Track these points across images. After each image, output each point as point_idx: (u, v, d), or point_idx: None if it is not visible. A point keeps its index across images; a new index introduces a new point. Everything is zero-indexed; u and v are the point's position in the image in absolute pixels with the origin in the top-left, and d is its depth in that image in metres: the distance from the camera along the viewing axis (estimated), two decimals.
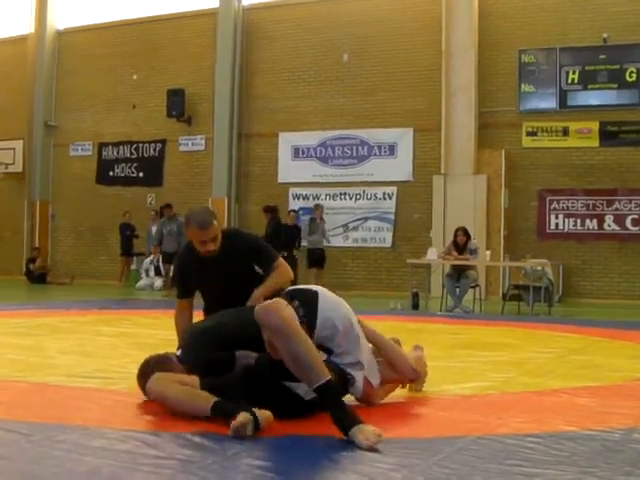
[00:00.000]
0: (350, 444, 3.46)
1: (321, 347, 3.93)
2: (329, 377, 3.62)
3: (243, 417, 3.56)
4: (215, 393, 3.88)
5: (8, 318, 10.09)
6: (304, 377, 3.67)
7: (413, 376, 4.62)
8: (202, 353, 4.32)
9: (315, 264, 18.07)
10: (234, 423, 3.54)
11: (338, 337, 4.09)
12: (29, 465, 3.13)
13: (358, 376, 4.16)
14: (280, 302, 3.82)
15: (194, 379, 4.06)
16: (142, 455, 3.28)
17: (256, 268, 5.36)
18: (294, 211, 19.23)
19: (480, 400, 4.87)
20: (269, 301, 3.84)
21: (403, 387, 4.82)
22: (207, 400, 3.82)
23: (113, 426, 3.81)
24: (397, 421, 4.22)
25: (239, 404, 3.72)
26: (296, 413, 3.95)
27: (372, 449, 3.38)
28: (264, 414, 3.66)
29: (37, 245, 23.30)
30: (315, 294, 4.17)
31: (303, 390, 3.85)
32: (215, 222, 5.18)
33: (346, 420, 3.55)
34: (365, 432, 3.46)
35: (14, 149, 24.28)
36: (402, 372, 4.54)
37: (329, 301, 4.19)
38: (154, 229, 19.82)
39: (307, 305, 4.02)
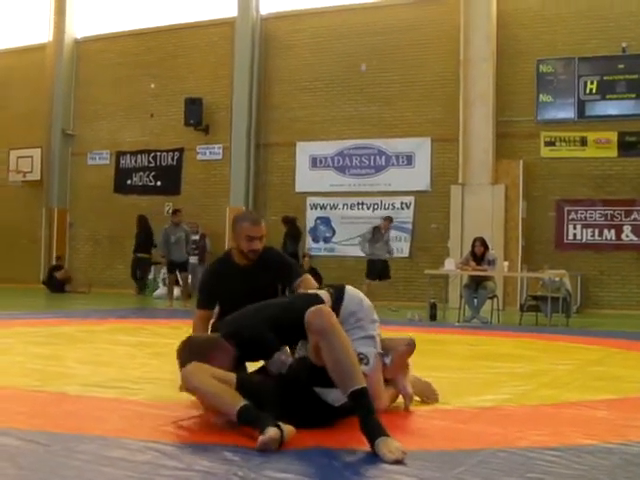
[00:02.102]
0: (372, 457, 3.45)
1: None
2: (365, 385, 3.71)
3: (274, 432, 3.55)
4: (248, 393, 3.89)
5: (26, 327, 10.10)
6: (341, 380, 3.75)
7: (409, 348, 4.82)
8: (259, 324, 4.32)
9: (378, 276, 17.27)
10: (263, 438, 3.52)
11: (361, 313, 4.41)
12: (48, 475, 3.13)
13: (370, 353, 4.29)
14: (329, 309, 4.05)
15: (231, 377, 4.05)
16: (162, 466, 3.27)
17: (279, 288, 5.43)
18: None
19: (499, 412, 4.84)
20: (320, 306, 4.03)
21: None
22: (234, 402, 3.80)
23: (132, 436, 3.80)
24: (416, 433, 4.21)
25: (264, 415, 3.72)
26: (323, 420, 4.00)
27: (394, 463, 3.36)
28: (288, 429, 3.65)
29: (56, 253, 23.36)
30: (342, 284, 4.62)
31: (332, 397, 3.96)
32: (264, 223, 5.41)
33: (374, 429, 3.57)
34: (390, 445, 3.46)
35: (32, 157, 24.36)
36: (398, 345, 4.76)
37: (355, 291, 4.60)
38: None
39: (337, 288, 4.52)
